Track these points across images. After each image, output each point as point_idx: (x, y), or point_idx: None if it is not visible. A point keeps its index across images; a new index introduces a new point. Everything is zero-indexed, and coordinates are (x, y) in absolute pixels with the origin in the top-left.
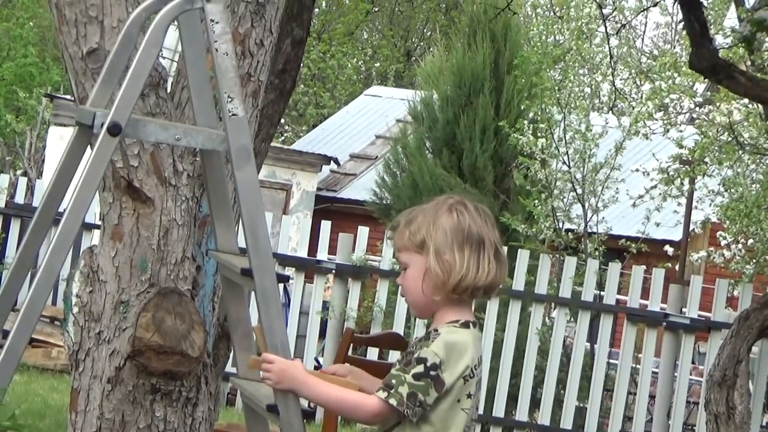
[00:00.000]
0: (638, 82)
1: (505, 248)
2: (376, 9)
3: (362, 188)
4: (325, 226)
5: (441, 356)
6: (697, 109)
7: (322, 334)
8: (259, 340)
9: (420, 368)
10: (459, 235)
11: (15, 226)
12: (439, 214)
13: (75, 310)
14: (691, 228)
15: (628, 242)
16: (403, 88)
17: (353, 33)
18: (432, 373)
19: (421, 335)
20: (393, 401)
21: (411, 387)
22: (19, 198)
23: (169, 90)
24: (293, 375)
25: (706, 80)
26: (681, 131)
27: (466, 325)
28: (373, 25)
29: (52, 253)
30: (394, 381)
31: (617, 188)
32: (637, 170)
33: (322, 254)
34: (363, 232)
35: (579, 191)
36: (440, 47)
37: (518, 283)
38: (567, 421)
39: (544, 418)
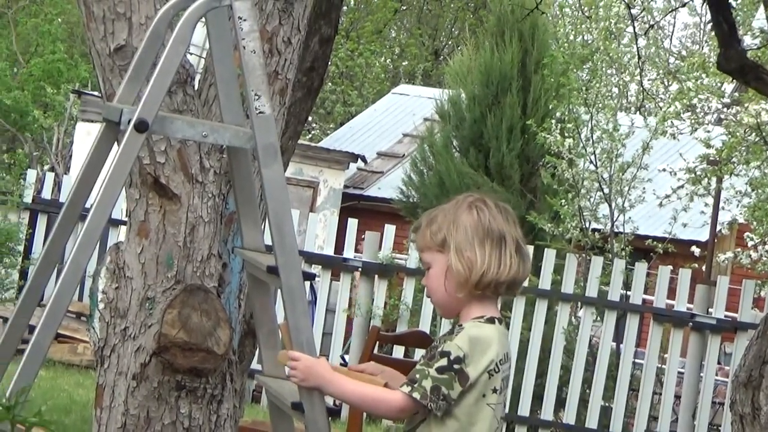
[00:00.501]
0: (666, 83)
1: (531, 247)
2: (405, 7)
3: (389, 186)
4: (352, 224)
5: (465, 350)
6: (725, 109)
7: (349, 332)
8: (284, 338)
9: (444, 362)
10: (479, 232)
11: (42, 222)
12: (459, 212)
13: (101, 306)
14: (718, 229)
15: (655, 242)
16: (431, 87)
17: (381, 31)
18: (456, 366)
19: (446, 331)
20: (416, 395)
21: (435, 380)
22: (46, 194)
23: (196, 87)
24: (319, 372)
25: (734, 81)
26: (708, 131)
27: (491, 320)
28: (401, 23)
29: (78, 249)
30: (417, 375)
31: (644, 188)
32: (664, 170)
33: (349, 252)
34: (390, 230)
35: (606, 191)
36: (468, 46)
37: (545, 283)
38: (592, 420)
39: (569, 417)
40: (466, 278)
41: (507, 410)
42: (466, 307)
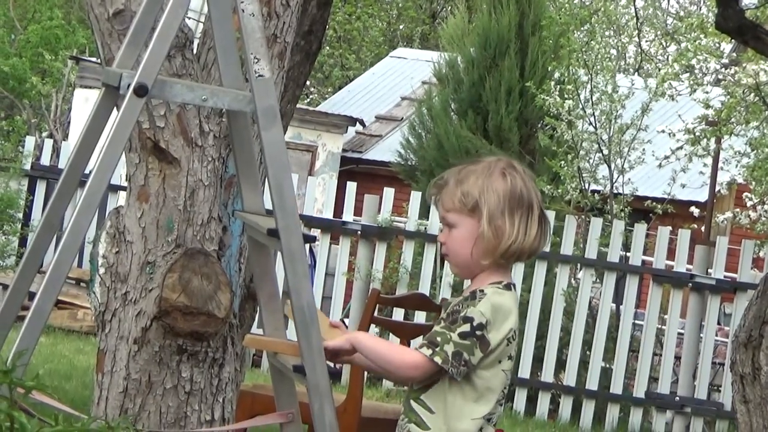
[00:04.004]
0: (664, 44)
1: None
2: None
3: (387, 150)
4: (351, 187)
5: (488, 316)
6: (724, 70)
7: (348, 296)
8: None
9: (466, 327)
10: (511, 201)
11: (41, 188)
12: (493, 178)
13: (101, 271)
14: (717, 189)
15: (654, 203)
16: (429, 50)
17: None
18: (478, 333)
19: (466, 294)
20: (438, 359)
21: (456, 346)
22: (45, 160)
23: (195, 51)
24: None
25: (732, 41)
26: (707, 92)
27: (508, 287)
28: None
29: (78, 215)
30: (439, 339)
31: (643, 149)
32: (663, 131)
33: (348, 215)
34: (388, 193)
35: (605, 152)
36: (461, 9)
37: None
38: (592, 382)
39: (569, 379)
40: (495, 246)
41: None
42: (486, 271)
